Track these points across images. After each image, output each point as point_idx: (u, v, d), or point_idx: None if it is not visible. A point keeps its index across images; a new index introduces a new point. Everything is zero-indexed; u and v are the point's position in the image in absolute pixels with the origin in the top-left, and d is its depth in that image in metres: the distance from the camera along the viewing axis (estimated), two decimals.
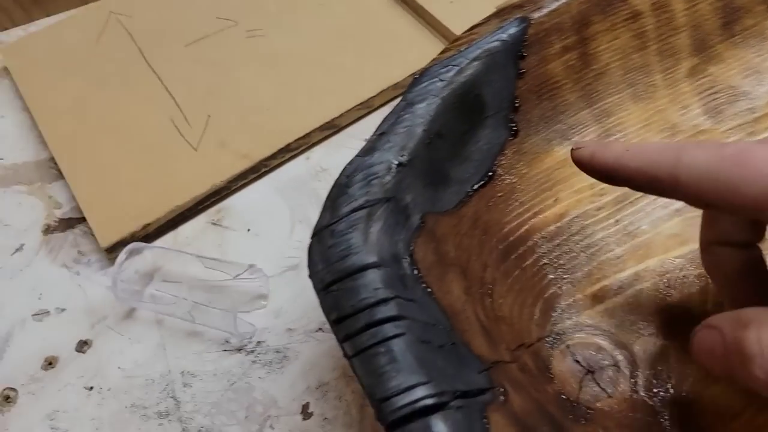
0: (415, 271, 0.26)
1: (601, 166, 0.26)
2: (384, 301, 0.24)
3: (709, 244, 0.27)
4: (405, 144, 0.28)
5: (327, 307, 0.24)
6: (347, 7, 0.49)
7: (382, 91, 0.43)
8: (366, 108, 0.44)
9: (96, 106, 0.45)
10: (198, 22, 0.49)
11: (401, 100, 0.29)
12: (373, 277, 0.24)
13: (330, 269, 0.25)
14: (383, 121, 0.29)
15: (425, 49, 0.45)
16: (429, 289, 0.26)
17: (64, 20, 0.50)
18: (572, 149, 0.28)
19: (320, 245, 0.25)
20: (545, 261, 0.32)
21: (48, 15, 0.53)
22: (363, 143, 0.43)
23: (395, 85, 0.44)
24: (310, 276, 0.25)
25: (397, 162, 0.27)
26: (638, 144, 0.25)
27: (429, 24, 0.47)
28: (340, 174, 0.27)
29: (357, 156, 0.28)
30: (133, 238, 0.38)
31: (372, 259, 0.24)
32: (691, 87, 0.35)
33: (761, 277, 0.27)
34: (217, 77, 0.45)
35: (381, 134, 0.28)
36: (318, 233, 0.26)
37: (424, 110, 0.29)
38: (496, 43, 0.31)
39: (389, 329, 0.23)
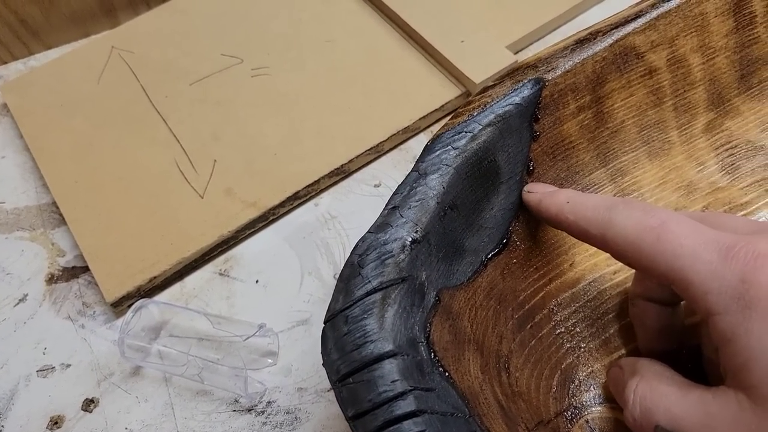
0: (432, 354, 0.26)
1: (545, 213, 0.29)
2: (402, 394, 0.23)
3: (636, 297, 0.30)
4: (419, 219, 0.27)
5: (343, 401, 0.24)
6: (355, 45, 0.47)
7: (391, 136, 0.42)
8: (375, 153, 0.42)
9: (98, 148, 0.44)
10: (202, 59, 0.48)
11: (413, 170, 0.29)
12: (390, 367, 0.24)
13: (345, 359, 0.24)
14: (395, 193, 0.28)
15: (436, 90, 0.44)
16: (447, 373, 0.26)
17: (66, 55, 0.50)
18: (523, 191, 0.31)
19: (334, 332, 0.25)
20: (561, 329, 0.31)
21: (48, 48, 0.52)
22: (372, 188, 0.42)
23: (405, 129, 0.43)
24: (324, 365, 0.25)
25: (411, 239, 0.26)
26: (579, 197, 0.28)
27: (439, 63, 0.45)
28: (352, 252, 0.26)
29: (369, 232, 0.27)
30: (139, 291, 0.38)
31: (388, 346, 0.24)
32: (708, 143, 0.34)
33: (676, 334, 0.29)
34: (223, 118, 0.45)
35: (393, 208, 0.27)
36: (331, 319, 0.25)
37: (437, 182, 0.28)
38: (509, 107, 0.30)
39: (408, 427, 0.23)
